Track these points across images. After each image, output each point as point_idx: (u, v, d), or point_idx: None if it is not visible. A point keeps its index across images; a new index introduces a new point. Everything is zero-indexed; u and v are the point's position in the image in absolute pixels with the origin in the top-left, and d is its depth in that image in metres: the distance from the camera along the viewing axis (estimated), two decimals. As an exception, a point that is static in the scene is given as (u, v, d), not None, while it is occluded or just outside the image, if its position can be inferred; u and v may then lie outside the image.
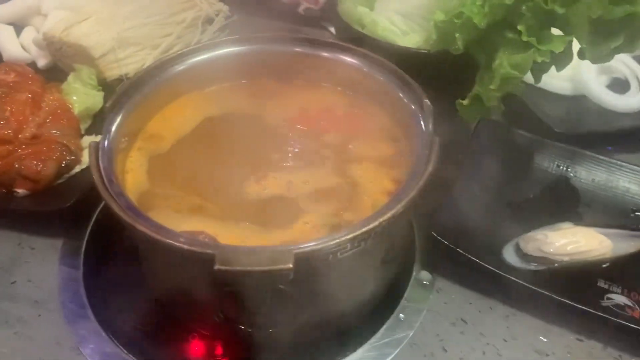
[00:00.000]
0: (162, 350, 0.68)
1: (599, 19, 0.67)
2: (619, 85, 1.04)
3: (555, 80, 1.02)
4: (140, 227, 0.52)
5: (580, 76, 1.01)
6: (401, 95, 0.69)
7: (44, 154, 0.80)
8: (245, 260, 0.48)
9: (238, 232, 0.60)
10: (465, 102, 0.78)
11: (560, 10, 0.69)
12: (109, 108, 0.65)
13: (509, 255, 0.74)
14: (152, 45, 1.05)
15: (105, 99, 0.93)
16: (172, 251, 0.51)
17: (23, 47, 1.09)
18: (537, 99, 0.98)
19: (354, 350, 0.65)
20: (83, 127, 0.91)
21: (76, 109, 0.90)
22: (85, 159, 0.84)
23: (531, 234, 0.75)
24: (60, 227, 0.79)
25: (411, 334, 0.67)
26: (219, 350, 0.67)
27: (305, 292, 0.57)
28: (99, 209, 0.80)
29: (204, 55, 0.75)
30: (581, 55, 0.73)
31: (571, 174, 0.85)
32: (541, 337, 0.68)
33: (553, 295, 0.66)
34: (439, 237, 0.70)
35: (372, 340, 0.66)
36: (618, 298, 0.70)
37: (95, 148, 0.60)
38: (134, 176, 0.66)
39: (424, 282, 0.73)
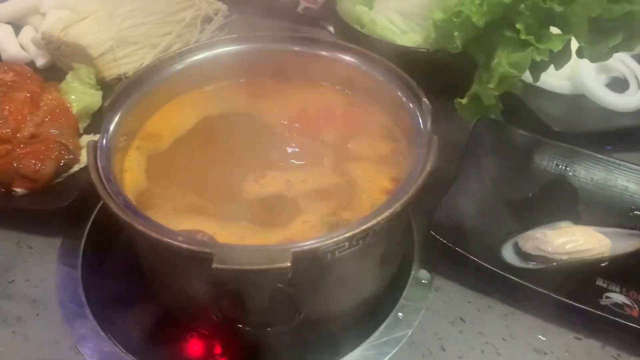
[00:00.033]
0: (160, 349, 0.68)
1: (597, 17, 0.68)
2: (618, 84, 1.04)
3: (554, 79, 1.02)
4: (139, 226, 0.52)
5: (579, 75, 1.01)
6: (400, 94, 0.69)
7: (43, 153, 0.80)
8: (243, 259, 0.48)
9: (236, 231, 0.60)
10: (463, 101, 0.78)
11: (558, 9, 0.69)
12: (108, 107, 0.65)
13: (508, 254, 0.74)
14: (151, 44, 1.05)
15: (104, 98, 0.93)
16: (170, 250, 0.51)
17: (22, 47, 1.09)
18: (536, 98, 0.98)
19: (353, 349, 0.65)
20: (82, 126, 0.91)
21: (75, 108, 0.90)
22: (84, 158, 0.84)
23: (530, 232, 0.75)
24: (59, 226, 0.78)
25: (410, 333, 0.67)
26: (217, 349, 0.67)
27: (304, 290, 0.57)
28: (97, 208, 0.80)
29: (203, 54, 0.75)
30: (580, 54, 0.73)
31: (570, 173, 0.85)
32: (540, 336, 0.68)
33: (552, 294, 0.66)
34: (437, 236, 0.70)
35: (371, 339, 0.66)
36: (617, 297, 0.70)
37: (94, 147, 0.60)
38: (132, 175, 0.66)
39: (423, 281, 0.73)
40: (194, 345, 0.67)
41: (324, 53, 0.75)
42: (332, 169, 0.67)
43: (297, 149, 0.70)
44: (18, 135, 0.83)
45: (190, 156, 0.69)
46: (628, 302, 0.69)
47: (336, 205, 0.63)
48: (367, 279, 0.64)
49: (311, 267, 0.53)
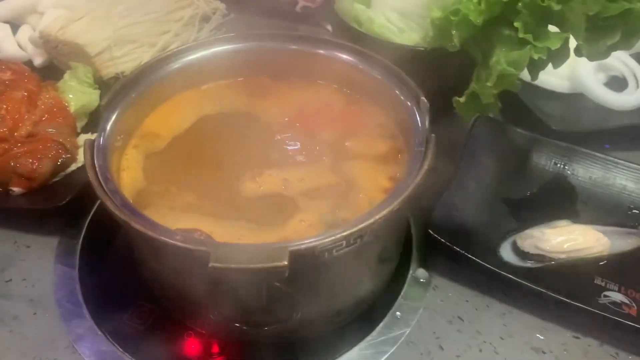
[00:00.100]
0: (158, 348, 0.67)
1: (595, 15, 0.67)
2: (617, 83, 1.04)
3: (553, 78, 1.02)
4: (136, 225, 0.52)
5: (577, 74, 1.01)
6: (398, 92, 0.69)
7: (40, 152, 0.80)
8: (240, 258, 0.48)
9: (233, 230, 0.59)
10: (462, 99, 0.78)
11: (556, 7, 0.69)
12: (105, 106, 0.65)
13: (506, 252, 0.74)
14: (148, 43, 1.04)
15: (102, 97, 0.92)
16: (167, 249, 0.51)
17: (19, 46, 1.09)
18: (534, 97, 0.98)
19: (351, 348, 0.65)
20: (79, 125, 0.91)
21: (72, 107, 0.89)
22: (82, 157, 0.83)
23: (528, 231, 0.75)
24: (56, 225, 0.79)
25: (408, 332, 0.67)
26: (215, 348, 0.67)
27: (301, 289, 0.57)
28: (95, 207, 0.79)
29: (200, 53, 0.75)
30: (578, 52, 0.73)
31: (568, 172, 0.85)
32: (538, 335, 0.68)
33: (550, 293, 0.66)
34: (435, 235, 0.70)
35: (369, 338, 0.66)
36: (615, 295, 0.70)
37: (90, 146, 0.60)
38: (129, 174, 0.66)
39: (421, 280, 0.72)
40: (191, 345, 0.67)
41: (321, 52, 0.75)
42: (330, 167, 0.67)
43: (294, 148, 0.70)
44: (15, 134, 0.83)
45: (188, 155, 0.69)
46: (626, 301, 0.69)
47: (334, 204, 0.63)
48: (364, 277, 0.64)
49: (308, 266, 0.53)
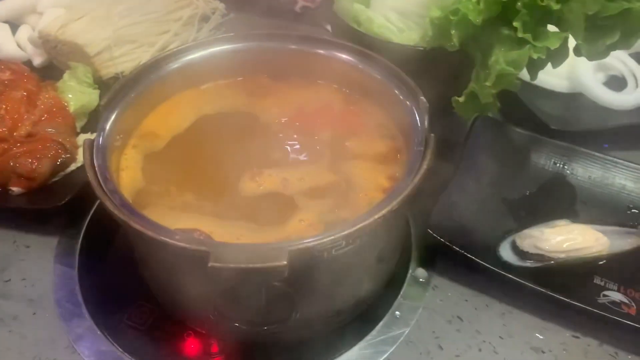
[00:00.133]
0: (157, 348, 0.68)
1: (594, 15, 0.67)
2: (616, 83, 1.04)
3: (552, 78, 1.02)
4: (135, 225, 0.52)
5: (576, 73, 1.01)
6: (397, 92, 0.69)
7: (39, 152, 0.80)
8: (239, 258, 0.48)
9: (233, 230, 0.59)
10: (461, 99, 0.78)
11: (555, 7, 0.69)
12: (104, 106, 0.65)
13: (505, 252, 0.74)
14: (148, 43, 1.04)
15: (101, 97, 0.92)
16: (167, 249, 0.51)
17: (19, 45, 1.09)
18: (534, 96, 0.98)
19: (350, 347, 0.65)
20: (79, 125, 0.91)
21: (72, 107, 0.89)
22: (81, 157, 0.84)
23: (527, 231, 0.75)
24: (56, 225, 0.79)
25: (407, 332, 0.67)
26: (214, 348, 0.67)
27: (301, 289, 0.57)
28: (94, 207, 0.79)
29: (200, 52, 0.75)
30: (577, 52, 0.73)
31: (567, 171, 0.85)
32: (537, 334, 0.68)
33: (549, 293, 0.66)
34: (435, 235, 0.70)
35: (368, 337, 0.66)
36: (614, 295, 0.70)
37: (90, 146, 0.60)
38: (129, 174, 0.66)
39: (420, 280, 0.72)
40: (191, 344, 0.67)
41: (321, 51, 0.75)
42: (329, 167, 0.67)
43: (294, 147, 0.70)
44: (15, 134, 0.83)
45: (187, 155, 0.69)
46: (625, 300, 0.69)
47: (333, 203, 0.63)
48: (364, 277, 0.64)
49: (308, 265, 0.53)
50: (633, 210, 0.81)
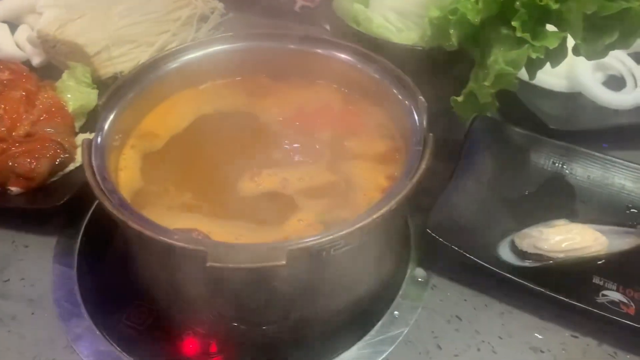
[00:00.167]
0: (156, 348, 0.68)
1: (593, 14, 0.67)
2: (615, 82, 1.04)
3: (551, 77, 1.02)
4: (133, 225, 0.52)
5: (575, 73, 1.01)
6: (396, 92, 0.69)
7: (38, 152, 0.80)
8: (237, 258, 0.48)
9: (232, 230, 0.59)
10: (459, 98, 0.78)
11: (554, 6, 0.69)
12: (102, 105, 0.65)
13: (504, 252, 0.74)
14: (147, 42, 1.04)
15: (100, 96, 0.92)
16: (165, 248, 0.51)
17: (17, 45, 1.09)
18: (532, 96, 0.98)
19: (349, 347, 0.65)
20: (77, 125, 0.90)
21: (70, 107, 0.89)
22: (80, 157, 0.84)
23: (526, 230, 0.75)
24: (54, 225, 0.78)
25: (406, 331, 0.67)
26: (213, 348, 0.67)
27: (299, 289, 0.57)
28: (93, 207, 0.79)
29: (198, 52, 0.75)
30: (576, 51, 0.73)
31: (566, 171, 0.85)
32: (536, 334, 0.68)
33: (548, 292, 0.66)
34: (434, 234, 0.70)
35: (367, 337, 0.66)
36: (613, 295, 0.70)
37: (88, 145, 0.60)
38: (127, 174, 0.66)
39: (419, 280, 0.72)
40: (190, 344, 0.67)
41: (320, 51, 0.75)
42: (328, 167, 0.67)
43: (293, 147, 0.70)
44: (13, 133, 0.83)
45: (186, 155, 0.69)
46: (624, 300, 0.69)
47: (332, 203, 0.63)
48: (363, 277, 0.64)
49: (306, 265, 0.53)
50: (632, 210, 0.81)
